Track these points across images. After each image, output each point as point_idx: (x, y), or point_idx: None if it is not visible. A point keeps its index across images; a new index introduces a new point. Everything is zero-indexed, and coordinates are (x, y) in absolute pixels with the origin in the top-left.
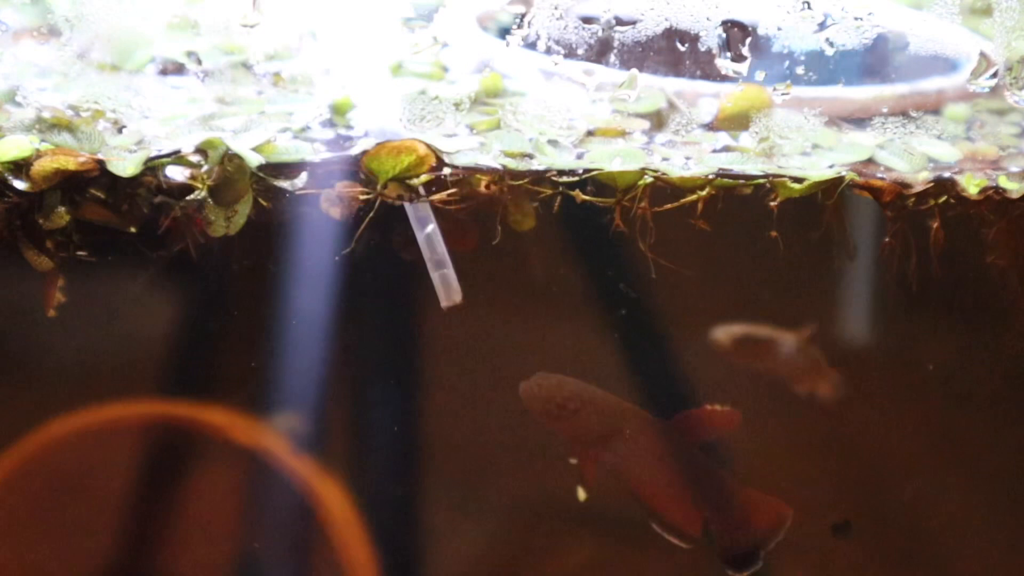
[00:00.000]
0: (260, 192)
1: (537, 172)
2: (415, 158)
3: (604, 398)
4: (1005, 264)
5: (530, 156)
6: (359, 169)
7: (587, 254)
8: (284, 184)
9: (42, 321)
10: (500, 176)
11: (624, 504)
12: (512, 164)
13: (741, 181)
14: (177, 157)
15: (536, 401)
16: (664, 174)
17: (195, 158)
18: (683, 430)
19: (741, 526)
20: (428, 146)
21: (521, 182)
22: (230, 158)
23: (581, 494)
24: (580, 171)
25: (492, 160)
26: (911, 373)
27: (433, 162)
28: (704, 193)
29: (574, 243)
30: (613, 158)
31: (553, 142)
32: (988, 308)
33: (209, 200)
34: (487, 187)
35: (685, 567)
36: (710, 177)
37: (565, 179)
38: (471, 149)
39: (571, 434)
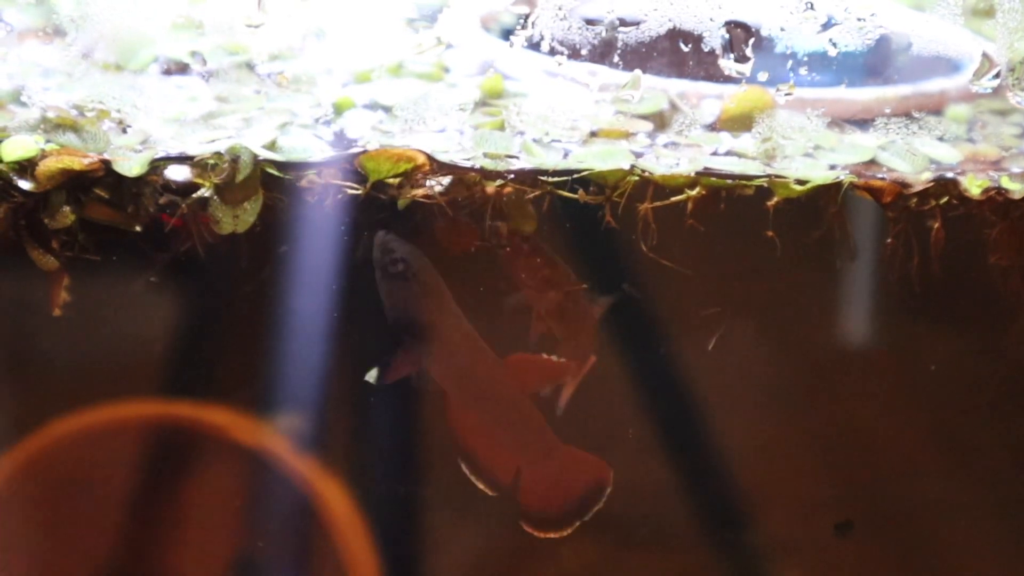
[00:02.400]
0: (267, 191)
1: (524, 172)
2: (412, 167)
3: (444, 292)
4: (1007, 265)
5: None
6: (354, 167)
7: (588, 254)
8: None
9: (47, 320)
10: (479, 177)
11: (624, 504)
12: (490, 165)
13: (729, 180)
14: (196, 160)
15: (376, 248)
16: (648, 172)
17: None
18: (516, 373)
19: (554, 484)
20: (428, 156)
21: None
22: (241, 156)
23: (372, 375)
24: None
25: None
26: (913, 373)
27: (428, 171)
28: (694, 192)
29: (574, 243)
30: (597, 156)
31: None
32: (990, 309)
33: (215, 199)
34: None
35: (685, 567)
36: (693, 175)
37: (554, 179)
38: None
39: (395, 299)
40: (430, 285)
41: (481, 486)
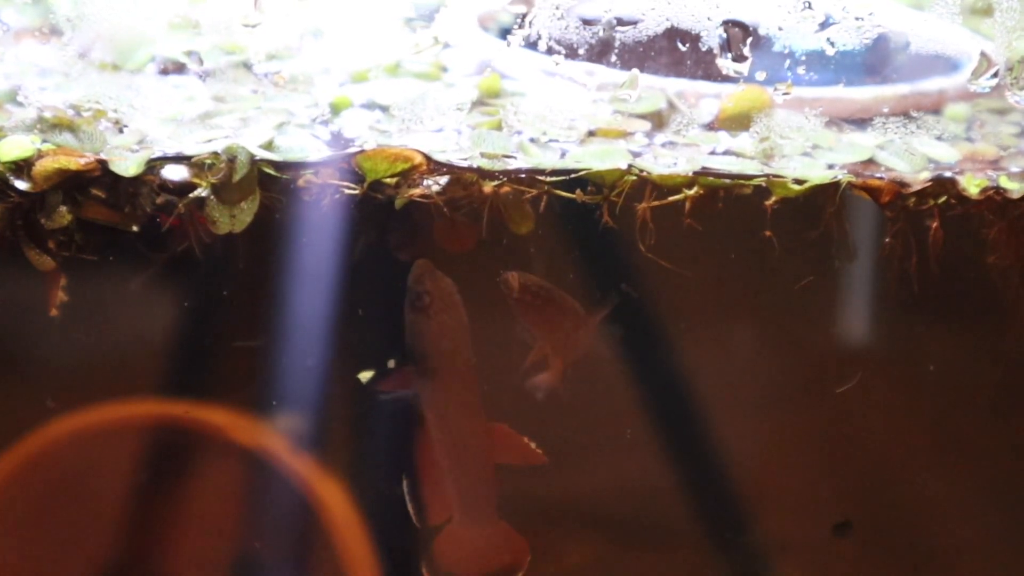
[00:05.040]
0: (264, 191)
1: (517, 171)
2: (410, 167)
3: (462, 338)
4: (1006, 264)
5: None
6: (351, 167)
7: (587, 254)
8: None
9: (44, 321)
10: (476, 177)
11: (624, 504)
12: (488, 164)
13: (727, 180)
14: (192, 160)
15: (411, 275)
16: (646, 172)
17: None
18: (494, 442)
19: (471, 549)
20: (425, 156)
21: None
22: (238, 156)
23: (365, 376)
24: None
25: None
26: (912, 373)
27: (425, 170)
28: (692, 192)
29: (574, 243)
30: (595, 156)
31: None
32: (989, 308)
33: (212, 198)
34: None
35: (685, 567)
36: (691, 175)
37: (551, 179)
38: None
39: (413, 330)
40: (449, 327)
41: (409, 509)
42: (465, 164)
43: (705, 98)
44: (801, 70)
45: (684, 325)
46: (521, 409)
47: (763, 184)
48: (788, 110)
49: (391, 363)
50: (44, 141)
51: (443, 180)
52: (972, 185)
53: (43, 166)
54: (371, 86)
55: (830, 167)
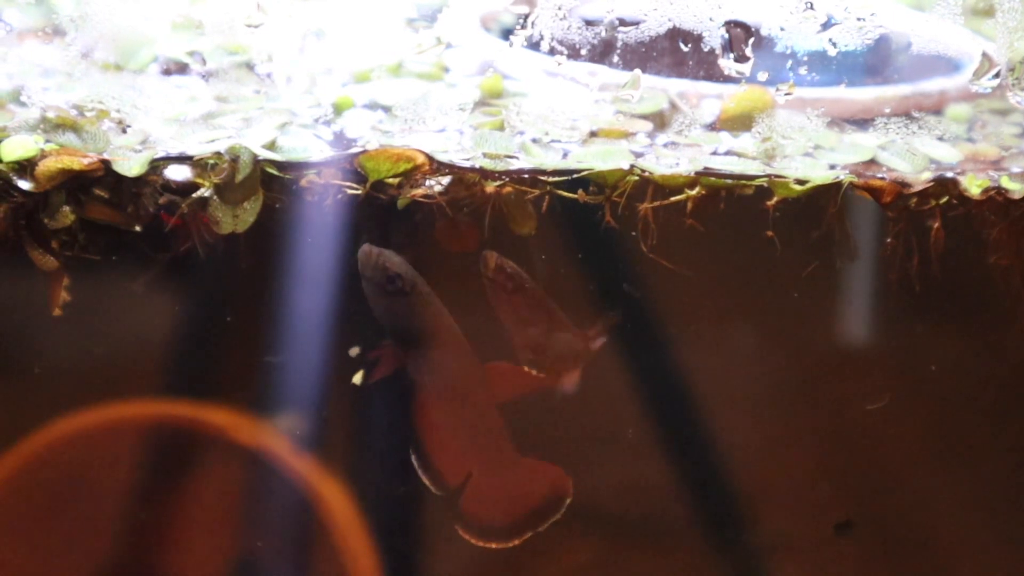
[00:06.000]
0: (267, 191)
1: (518, 172)
2: (412, 167)
3: (435, 298)
4: (1007, 264)
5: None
6: (354, 167)
7: (588, 254)
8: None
9: (47, 320)
10: (479, 177)
11: (624, 504)
12: (490, 165)
13: (728, 180)
14: (195, 160)
15: (367, 266)
16: (648, 172)
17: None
18: (492, 381)
19: (504, 496)
20: (427, 156)
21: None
22: (241, 156)
23: (358, 378)
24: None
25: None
26: (913, 373)
27: (427, 170)
28: (694, 192)
29: (575, 243)
30: (597, 156)
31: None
32: (990, 308)
33: (215, 198)
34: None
35: (685, 567)
36: (693, 175)
37: (553, 179)
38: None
39: (396, 314)
40: (425, 295)
41: (427, 483)
42: (467, 164)
43: (707, 98)
44: (803, 70)
45: (685, 325)
46: (521, 408)
47: (765, 184)
48: (790, 110)
49: (354, 351)
50: (47, 141)
51: (445, 180)
52: (974, 185)
53: (46, 166)
54: (373, 86)
55: (832, 167)
